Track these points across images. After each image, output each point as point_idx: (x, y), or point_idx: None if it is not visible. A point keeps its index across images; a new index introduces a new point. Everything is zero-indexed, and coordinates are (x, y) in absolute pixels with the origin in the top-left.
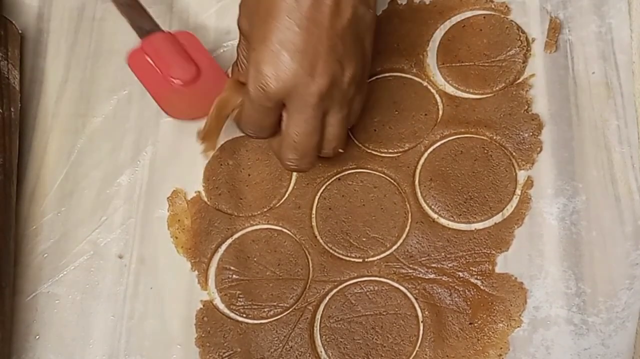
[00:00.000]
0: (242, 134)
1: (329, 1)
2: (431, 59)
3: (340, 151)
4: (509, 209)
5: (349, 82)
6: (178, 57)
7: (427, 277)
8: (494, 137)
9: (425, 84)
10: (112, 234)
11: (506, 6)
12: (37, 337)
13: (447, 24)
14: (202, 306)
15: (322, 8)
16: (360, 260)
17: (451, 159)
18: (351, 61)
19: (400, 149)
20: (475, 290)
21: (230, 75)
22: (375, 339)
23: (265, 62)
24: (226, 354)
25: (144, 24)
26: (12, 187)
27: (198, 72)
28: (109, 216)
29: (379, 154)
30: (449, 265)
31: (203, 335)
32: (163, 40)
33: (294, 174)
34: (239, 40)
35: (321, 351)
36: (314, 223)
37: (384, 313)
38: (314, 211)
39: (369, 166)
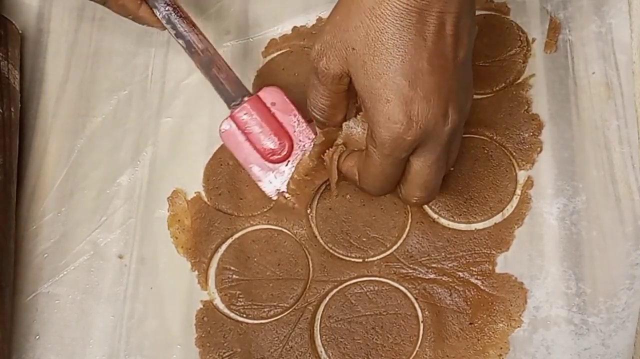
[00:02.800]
0: None
1: (450, 30)
2: None
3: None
4: (509, 209)
5: (468, 111)
6: (270, 128)
7: (427, 277)
8: (494, 137)
9: None
10: (112, 234)
11: (506, 6)
12: (37, 337)
13: None
14: (202, 306)
15: (446, 39)
16: (361, 260)
17: None
18: (471, 90)
19: None
20: (475, 290)
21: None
22: (376, 339)
23: (399, 110)
24: (226, 354)
25: (230, 89)
26: (12, 187)
27: (292, 141)
28: (109, 216)
29: None
30: (449, 265)
31: (203, 335)
32: (253, 108)
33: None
34: (315, 85)
35: (321, 351)
36: (314, 223)
37: (384, 313)
38: (314, 211)
39: None
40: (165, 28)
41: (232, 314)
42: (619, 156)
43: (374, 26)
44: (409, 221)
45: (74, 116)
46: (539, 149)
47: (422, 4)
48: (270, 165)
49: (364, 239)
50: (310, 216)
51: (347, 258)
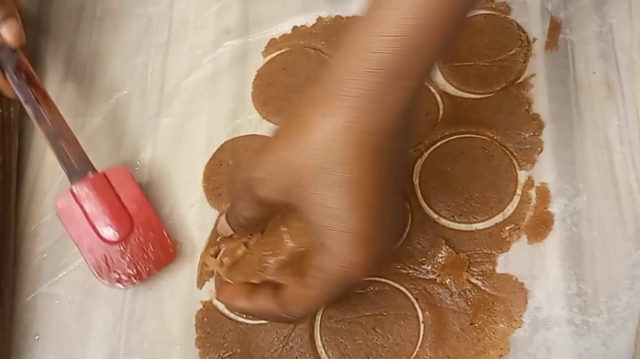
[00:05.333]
0: (242, 135)
1: (400, 171)
2: None
3: None
4: (510, 209)
5: None
6: (110, 208)
7: (427, 277)
8: (495, 137)
9: (425, 84)
10: None
11: (507, 6)
12: (37, 337)
13: None
14: (202, 307)
15: (397, 180)
16: None
17: (452, 159)
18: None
19: None
20: (476, 290)
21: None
22: (376, 339)
23: (360, 251)
24: (226, 354)
25: (75, 163)
26: (12, 187)
27: (131, 225)
28: None
29: None
30: None
31: (203, 335)
32: (95, 185)
33: None
34: (244, 199)
35: (321, 352)
36: None
37: (385, 313)
38: None
39: None
40: (15, 95)
41: (232, 315)
42: (620, 156)
43: (327, 166)
44: (409, 221)
45: (73, 116)
46: (539, 149)
47: (377, 145)
48: (105, 245)
49: None
50: None
51: None
